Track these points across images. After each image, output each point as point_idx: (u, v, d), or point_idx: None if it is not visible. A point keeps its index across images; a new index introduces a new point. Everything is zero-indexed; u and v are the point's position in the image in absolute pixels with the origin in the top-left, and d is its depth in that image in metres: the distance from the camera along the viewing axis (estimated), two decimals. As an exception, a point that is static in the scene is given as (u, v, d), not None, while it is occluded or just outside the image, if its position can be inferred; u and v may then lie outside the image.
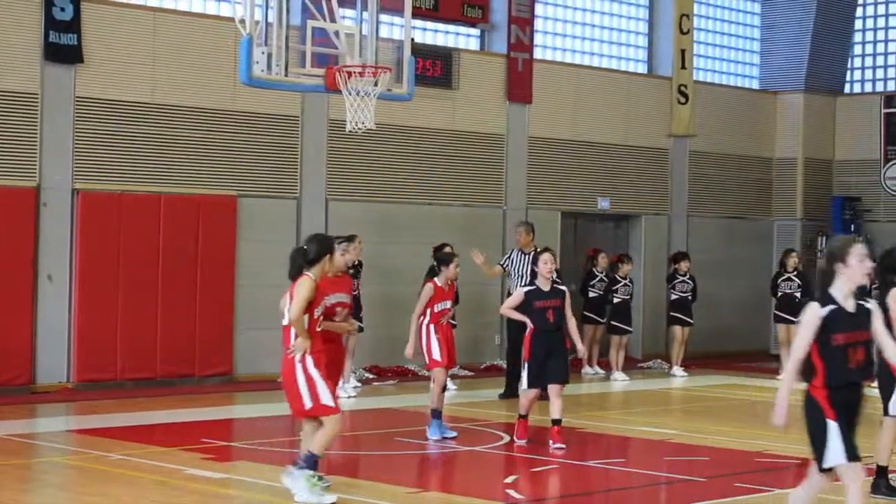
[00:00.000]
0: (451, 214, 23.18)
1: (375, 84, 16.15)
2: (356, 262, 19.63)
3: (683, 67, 26.90)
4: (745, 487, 12.81)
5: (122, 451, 13.91)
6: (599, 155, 25.64)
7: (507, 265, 20.24)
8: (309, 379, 11.09)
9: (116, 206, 19.61)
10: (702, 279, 24.81)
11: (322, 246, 11.31)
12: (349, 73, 16.02)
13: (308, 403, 11.12)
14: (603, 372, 22.65)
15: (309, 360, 11.11)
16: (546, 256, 15.16)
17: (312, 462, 11.20)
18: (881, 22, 29.93)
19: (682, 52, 26.89)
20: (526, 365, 14.82)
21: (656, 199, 26.63)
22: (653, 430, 16.65)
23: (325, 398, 11.11)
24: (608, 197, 25.68)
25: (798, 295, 23.22)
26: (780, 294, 23.37)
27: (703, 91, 27.48)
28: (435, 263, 16.27)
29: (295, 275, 11.15)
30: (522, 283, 20.38)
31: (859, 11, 29.86)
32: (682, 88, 26.84)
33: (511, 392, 19.63)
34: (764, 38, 29.59)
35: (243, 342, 20.71)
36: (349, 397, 18.94)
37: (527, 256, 20.31)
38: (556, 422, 14.67)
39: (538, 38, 25.23)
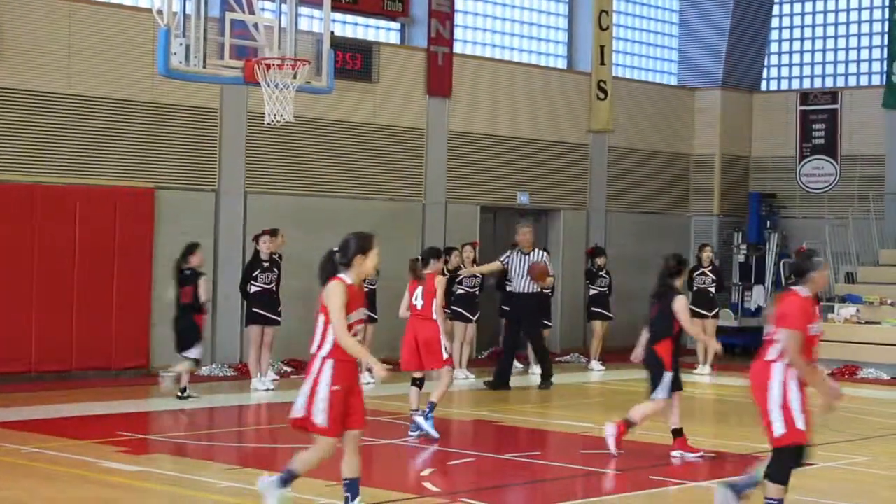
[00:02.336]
0: (370, 208, 23.18)
1: (294, 77, 16.15)
2: (277, 256, 19.64)
3: (602, 63, 27.05)
4: (659, 480, 12.93)
5: (36, 444, 13.80)
6: (519, 150, 25.73)
7: (507, 263, 20.52)
8: (314, 390, 9.98)
9: (32, 198, 19.43)
10: (620, 274, 24.98)
11: (359, 244, 10.01)
12: (268, 66, 15.99)
13: (302, 413, 10.09)
14: (521, 366, 22.71)
15: (328, 372, 9.93)
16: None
17: (288, 478, 10.24)
18: (797, 20, 30.25)
19: (602, 48, 27.03)
20: (668, 374, 14.33)
21: (575, 194, 26.76)
22: (570, 423, 16.75)
23: (320, 418, 9.98)
24: (527, 191, 25.77)
25: (712, 290, 23.44)
26: (695, 289, 23.57)
27: (622, 87, 27.65)
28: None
29: (326, 279, 10.00)
30: (521, 283, 20.64)
31: (776, 9, 30.16)
32: (601, 84, 26.99)
33: (501, 383, 20.00)
34: (682, 34, 29.83)
35: (160, 335, 20.56)
36: (267, 390, 18.90)
37: (526, 257, 20.50)
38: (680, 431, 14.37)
39: (458, 33, 25.29)
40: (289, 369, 21.33)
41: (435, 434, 14.86)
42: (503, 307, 21.80)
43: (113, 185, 20.21)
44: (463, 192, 24.72)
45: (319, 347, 9.92)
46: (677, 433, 14.31)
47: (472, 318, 21.58)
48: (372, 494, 11.37)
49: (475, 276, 21.64)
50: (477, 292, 21.75)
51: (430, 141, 24.20)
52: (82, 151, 20.02)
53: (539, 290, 21.01)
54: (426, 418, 15.05)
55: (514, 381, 20.90)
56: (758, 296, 27.52)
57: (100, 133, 20.20)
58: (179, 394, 17.93)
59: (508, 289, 21.14)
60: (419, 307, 15.41)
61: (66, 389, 18.53)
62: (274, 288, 19.48)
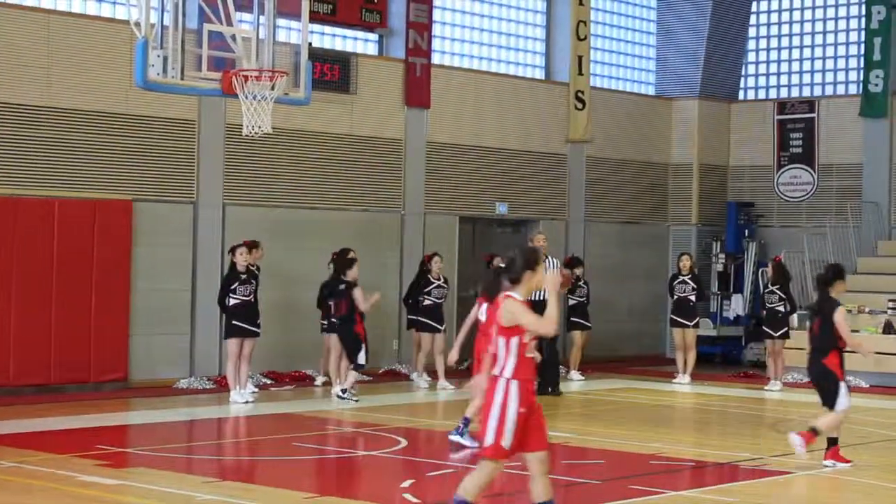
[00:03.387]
0: (349, 219, 23.16)
1: (272, 88, 16.14)
2: (255, 267, 19.62)
3: (580, 73, 27.08)
4: (639, 490, 12.93)
5: (15, 458, 13.73)
6: (497, 160, 25.74)
7: None
8: (503, 414, 9.59)
9: (10, 210, 19.36)
10: (599, 284, 25.02)
11: (526, 260, 9.81)
12: (246, 77, 16.00)
13: (490, 439, 9.65)
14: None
15: (514, 394, 9.60)
16: None
17: None
18: (774, 30, 30.34)
19: (580, 58, 27.07)
20: (843, 384, 14.37)
21: (553, 204, 26.78)
22: (550, 433, 16.67)
23: (507, 440, 9.58)
24: (506, 202, 25.78)
25: (692, 299, 23.48)
26: (675, 297, 23.63)
27: (600, 97, 27.68)
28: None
29: (494, 296, 9.81)
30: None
31: (753, 19, 30.25)
32: (580, 94, 27.02)
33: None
34: (659, 44, 29.89)
35: (139, 347, 20.55)
36: (246, 403, 18.86)
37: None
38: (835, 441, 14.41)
39: (436, 44, 25.30)
40: (268, 381, 21.28)
41: (472, 444, 14.77)
42: None
43: (91, 198, 20.15)
44: (441, 202, 24.72)
45: (502, 369, 9.63)
46: (832, 442, 14.35)
47: (439, 328, 21.60)
48: (352, 506, 11.37)
49: (443, 287, 21.72)
50: (443, 303, 21.79)
51: (408, 152, 24.19)
52: (60, 164, 19.97)
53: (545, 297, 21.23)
54: (461, 434, 15.06)
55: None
56: (736, 304, 27.58)
57: (78, 145, 20.15)
58: (340, 393, 19.27)
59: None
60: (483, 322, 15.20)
61: (45, 403, 18.45)
62: (252, 300, 19.45)
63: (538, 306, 21.09)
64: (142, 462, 13.93)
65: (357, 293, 19.47)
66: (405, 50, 24.18)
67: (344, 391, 19.32)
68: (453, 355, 15.75)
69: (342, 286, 19.46)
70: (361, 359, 19.34)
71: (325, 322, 20.93)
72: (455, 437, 15.13)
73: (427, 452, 15.47)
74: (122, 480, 12.67)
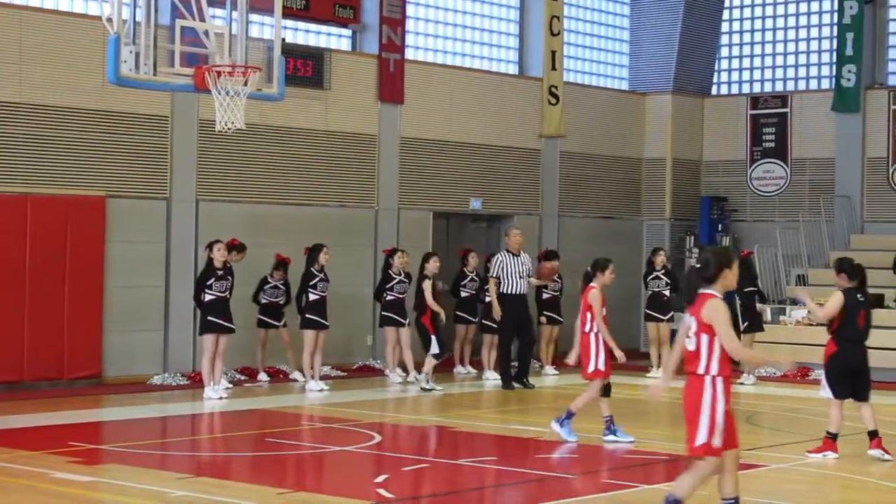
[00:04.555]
0: (323, 215, 23.14)
1: (245, 84, 16.12)
2: (230, 264, 19.61)
3: (554, 69, 27.11)
4: (613, 483, 12.98)
5: (-13, 455, 13.70)
6: (471, 155, 25.75)
7: (499, 271, 20.96)
8: (713, 412, 9.67)
9: (-18, 207, 19.31)
10: (572, 279, 25.00)
11: (720, 259, 9.84)
12: (219, 73, 15.97)
13: (701, 438, 9.67)
14: (475, 371, 22.76)
15: (720, 391, 9.70)
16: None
17: None
18: (747, 24, 30.42)
19: (553, 53, 27.10)
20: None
21: (527, 199, 26.80)
22: (525, 428, 16.77)
23: (718, 439, 9.67)
24: (480, 197, 25.79)
25: (666, 293, 23.54)
26: (649, 293, 23.68)
27: (574, 92, 27.71)
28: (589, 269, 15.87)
29: (693, 297, 9.83)
30: (516, 284, 21.07)
31: (726, 14, 30.31)
32: (553, 89, 27.05)
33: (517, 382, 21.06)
34: (633, 40, 29.93)
35: (112, 344, 20.50)
36: (220, 399, 18.84)
37: (517, 258, 21.03)
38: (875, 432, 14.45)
39: (410, 39, 25.28)
40: (242, 377, 21.25)
41: (571, 438, 15.00)
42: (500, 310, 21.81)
43: (64, 194, 20.08)
44: (415, 198, 24.72)
45: (707, 367, 9.68)
46: (873, 435, 14.37)
47: (402, 321, 21.63)
48: (326, 501, 11.36)
49: (404, 282, 21.76)
50: (405, 297, 21.85)
51: (382, 147, 24.17)
52: (33, 160, 19.90)
53: (525, 291, 21.64)
54: (561, 424, 15.13)
55: (465, 386, 21.07)
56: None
57: (50, 141, 20.09)
58: (424, 385, 20.33)
59: (489, 293, 21.41)
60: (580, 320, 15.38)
61: (18, 400, 18.39)
62: (228, 296, 19.44)
63: (524, 299, 21.28)
64: (115, 459, 13.90)
65: (426, 286, 20.48)
66: (379, 45, 24.16)
67: (427, 382, 20.34)
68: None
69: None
70: (434, 348, 20.31)
71: (263, 317, 21.32)
72: (555, 427, 15.17)
73: (401, 447, 15.47)
74: (96, 477, 12.65)
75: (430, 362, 20.38)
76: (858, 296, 14.50)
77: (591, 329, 15.23)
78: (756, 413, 18.99)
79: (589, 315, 15.25)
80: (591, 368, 15.15)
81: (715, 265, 9.78)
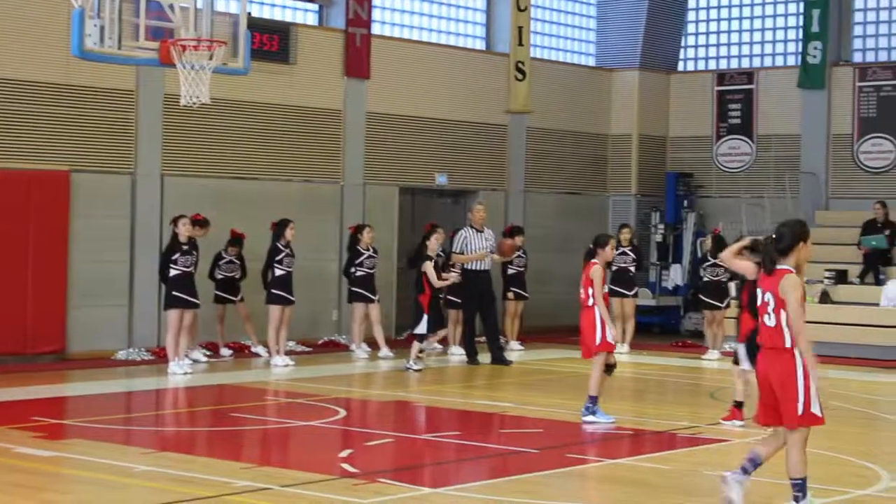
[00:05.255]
0: (288, 190, 23.10)
1: (210, 58, 16.05)
2: (192, 240, 19.56)
3: (521, 44, 27.09)
4: (576, 458, 13.03)
5: (-50, 430, 13.66)
6: (437, 131, 25.73)
7: (463, 247, 20.98)
8: (807, 382, 9.85)
9: (-55, 181, 19.21)
10: (538, 254, 25.10)
11: (795, 232, 9.99)
12: (184, 47, 15.90)
13: (801, 409, 9.85)
14: (440, 346, 22.78)
15: (811, 361, 9.86)
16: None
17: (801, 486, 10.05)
18: (714, 1, 30.44)
19: (520, 28, 27.07)
20: None
21: (493, 174, 26.81)
22: (489, 403, 16.82)
23: (817, 407, 9.89)
24: (446, 173, 25.79)
25: (632, 269, 23.63)
26: (614, 268, 23.70)
27: (540, 68, 27.71)
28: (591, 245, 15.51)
29: (772, 269, 9.95)
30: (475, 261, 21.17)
31: (692, -10, 30.37)
32: (520, 65, 27.04)
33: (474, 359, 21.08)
34: (600, 15, 29.93)
35: (76, 319, 20.44)
36: (185, 374, 18.81)
37: (480, 234, 21.07)
38: None
39: (376, 14, 25.21)
40: (207, 352, 21.18)
41: (608, 419, 14.91)
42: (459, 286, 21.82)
43: (28, 168, 20.00)
44: (381, 173, 24.69)
45: (793, 341, 9.84)
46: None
47: (373, 297, 21.65)
48: (290, 476, 11.38)
49: (373, 257, 21.78)
50: (375, 272, 21.86)
51: (347, 122, 24.13)
52: (-4, 134, 19.81)
53: (489, 267, 21.70)
54: (592, 413, 14.97)
55: (430, 360, 21.13)
56: (675, 275, 27.75)
57: (14, 116, 19.98)
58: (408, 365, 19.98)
59: (453, 269, 21.42)
60: (581, 295, 15.25)
61: (-19, 375, 18.33)
62: (193, 271, 19.41)
63: (488, 275, 21.22)
64: (79, 434, 13.87)
65: (427, 267, 20.15)
66: (345, 20, 24.10)
67: (413, 361, 20.03)
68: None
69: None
70: (422, 328, 20.07)
71: (219, 293, 21.23)
72: (588, 418, 14.97)
73: (366, 422, 15.50)
74: (59, 452, 12.62)
75: (415, 345, 20.11)
76: None
77: (593, 304, 15.15)
78: (721, 388, 19.07)
79: (591, 290, 15.17)
80: (598, 341, 15.06)
81: (790, 238, 9.93)
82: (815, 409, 9.85)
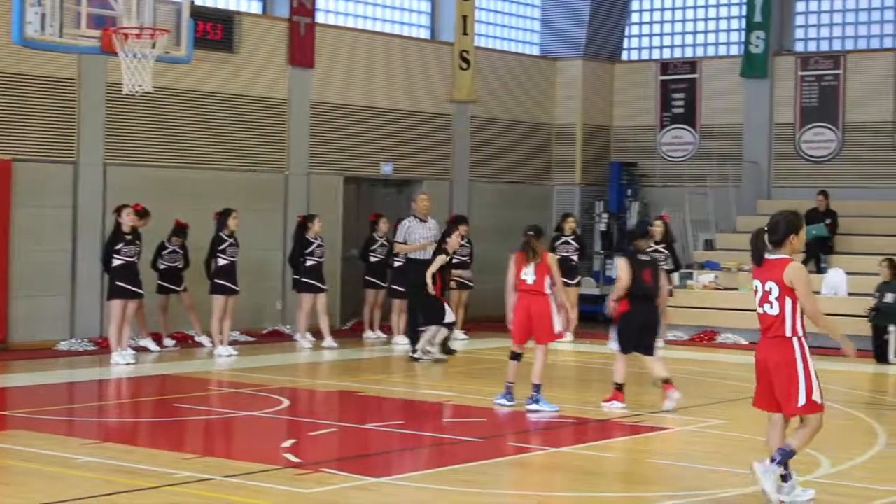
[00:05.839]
0: (233, 179, 23.02)
1: (153, 47, 15.98)
2: (136, 229, 19.47)
3: (465, 33, 27.09)
4: (520, 447, 13.09)
5: None
6: (382, 120, 25.71)
7: (407, 236, 20.88)
8: (807, 371, 9.98)
9: None
10: (482, 243, 25.12)
11: (789, 223, 10.07)
12: (126, 35, 15.83)
13: (803, 398, 9.97)
14: (385, 336, 22.78)
15: (807, 349, 10.02)
16: None
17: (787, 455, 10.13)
18: (657, -10, 30.58)
19: (464, 18, 27.07)
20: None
21: (438, 164, 26.83)
22: (433, 392, 16.84)
23: (818, 395, 10.01)
24: (391, 162, 25.78)
25: (575, 258, 23.67)
26: (557, 257, 23.71)
27: (485, 57, 27.72)
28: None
29: (761, 259, 10.11)
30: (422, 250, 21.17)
31: (636, -20, 30.47)
32: (464, 54, 27.04)
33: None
34: (544, 5, 29.99)
35: (18, 310, 20.30)
36: (127, 364, 18.73)
37: (424, 223, 20.98)
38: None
39: (321, 3, 25.16)
40: (151, 342, 21.08)
41: (552, 407, 15.05)
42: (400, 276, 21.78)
43: (-32, 158, 19.86)
44: (326, 162, 24.65)
45: (794, 330, 9.96)
46: (666, 381, 15.23)
47: (323, 287, 21.64)
48: (233, 467, 11.36)
49: (322, 246, 21.76)
50: (324, 262, 21.87)
51: (292, 112, 24.07)
52: (-64, 123, 19.65)
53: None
54: (538, 402, 15.09)
55: (375, 350, 21.15)
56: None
57: (-46, 104, 19.83)
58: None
59: (398, 258, 21.41)
60: (531, 282, 15.35)
61: (-78, 366, 18.19)
62: (136, 261, 19.32)
63: (421, 265, 21.24)
64: (20, 425, 13.76)
65: (437, 261, 19.93)
66: (289, 9, 24.02)
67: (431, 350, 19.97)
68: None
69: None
70: (450, 317, 20.00)
71: (162, 282, 21.12)
72: (532, 407, 15.09)
73: (309, 412, 15.49)
74: (0, 444, 12.54)
75: (441, 332, 19.94)
76: (641, 257, 15.33)
77: (549, 292, 15.31)
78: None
79: (547, 279, 15.31)
80: (557, 329, 15.33)
81: (784, 229, 10.04)
82: (816, 397, 9.99)
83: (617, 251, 15.80)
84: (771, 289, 9.98)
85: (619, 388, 15.36)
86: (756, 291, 10.14)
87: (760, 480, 10.01)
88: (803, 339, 10.01)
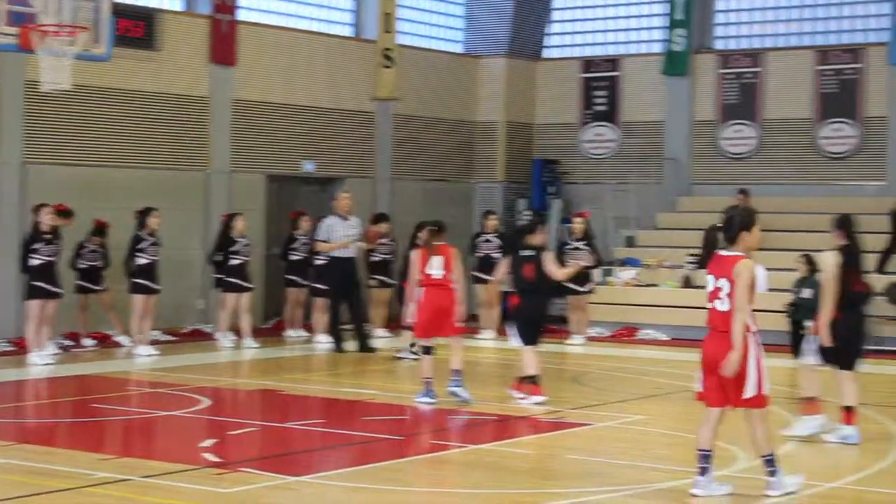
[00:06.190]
0: (154, 178, 22.88)
1: (72, 44, 15.89)
2: (56, 229, 19.32)
3: (388, 31, 27.08)
4: (440, 444, 13.13)
5: None
6: (305, 118, 25.65)
7: (328, 234, 20.83)
8: (759, 364, 10.19)
9: None
10: (406, 241, 25.06)
11: (742, 220, 10.30)
12: (45, 32, 15.72)
13: (753, 390, 10.18)
14: (306, 334, 22.73)
15: (757, 344, 10.23)
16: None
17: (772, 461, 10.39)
18: (579, -11, 30.69)
19: (387, 15, 27.06)
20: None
21: (361, 162, 26.80)
22: (355, 391, 16.83)
23: (766, 388, 10.26)
24: (313, 160, 25.72)
25: (497, 256, 23.70)
26: (480, 255, 23.86)
27: (408, 55, 27.71)
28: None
29: (712, 255, 10.35)
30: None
31: (558, -22, 30.57)
32: (387, 52, 27.03)
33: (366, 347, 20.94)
34: (468, 3, 30.01)
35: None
36: (46, 364, 18.57)
37: (345, 221, 20.98)
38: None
39: (243, 0, 25.05)
40: (69, 343, 20.89)
41: (468, 396, 15.32)
42: (322, 274, 21.73)
43: None
44: (248, 161, 24.56)
45: (746, 325, 10.15)
46: (532, 379, 15.44)
47: (248, 286, 21.59)
48: (151, 467, 11.31)
49: (248, 245, 21.69)
50: (250, 261, 21.80)
51: (214, 110, 23.96)
52: None
53: (354, 255, 21.66)
54: (459, 386, 15.36)
55: (295, 349, 21.17)
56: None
57: None
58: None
59: (323, 258, 21.37)
60: (437, 276, 15.50)
61: None
62: (56, 261, 19.17)
63: (352, 262, 21.12)
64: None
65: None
66: (211, 6, 23.91)
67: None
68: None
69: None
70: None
71: (81, 282, 20.96)
72: (456, 389, 15.37)
73: (230, 412, 15.43)
74: None
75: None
76: (523, 252, 15.61)
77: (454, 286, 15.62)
78: (584, 373, 19.33)
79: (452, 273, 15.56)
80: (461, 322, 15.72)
81: (737, 225, 10.26)
82: (765, 390, 10.21)
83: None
84: (722, 285, 10.18)
85: (531, 379, 15.49)
86: (707, 287, 10.33)
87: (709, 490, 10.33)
88: (755, 335, 10.19)
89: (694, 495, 10.26)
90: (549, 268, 15.48)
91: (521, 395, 15.43)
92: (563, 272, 15.99)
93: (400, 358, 19.81)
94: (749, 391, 10.16)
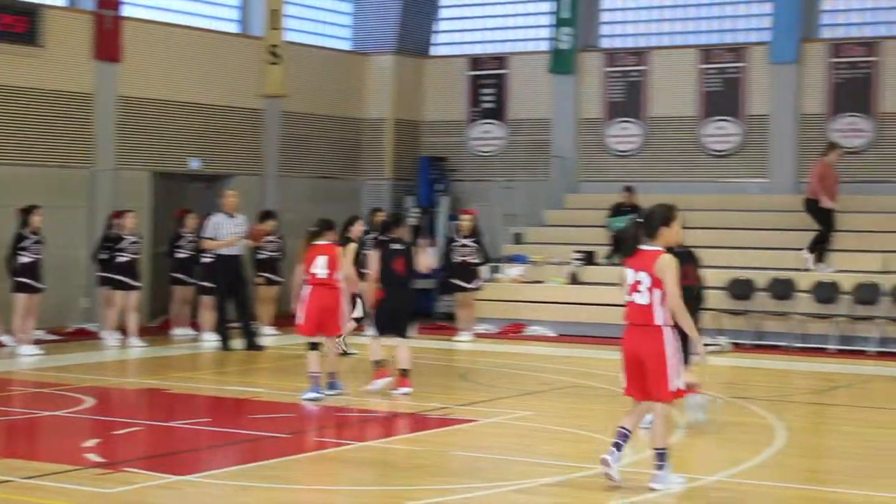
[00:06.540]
0: (37, 175, 22.60)
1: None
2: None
3: (275, 28, 26.98)
4: (327, 441, 13.13)
5: None
6: (191, 115, 25.47)
7: (215, 232, 20.68)
8: (675, 359, 10.40)
9: None
10: (293, 239, 25.00)
11: (662, 215, 10.56)
12: (-78, 29, 15.47)
13: (672, 385, 10.37)
14: (194, 332, 22.58)
15: (676, 339, 10.44)
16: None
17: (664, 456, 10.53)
18: (467, -13, 30.79)
19: (274, 12, 26.96)
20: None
21: (248, 159, 26.67)
22: (242, 388, 16.76)
23: (682, 383, 10.52)
24: (200, 157, 25.55)
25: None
26: (365, 252, 23.79)
27: (295, 52, 27.62)
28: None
29: (631, 250, 10.52)
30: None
31: (446, -24, 30.64)
32: (274, 49, 26.91)
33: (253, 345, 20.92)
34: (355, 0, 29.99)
35: None
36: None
37: (232, 219, 20.87)
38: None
39: (128, -4, 24.84)
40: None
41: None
42: (209, 272, 21.62)
43: None
44: (133, 158, 24.33)
45: (665, 319, 10.35)
46: (403, 372, 15.83)
47: (136, 284, 21.41)
48: (33, 468, 11.18)
49: (137, 243, 21.52)
50: (139, 259, 21.63)
51: (98, 107, 23.71)
52: None
53: (240, 252, 21.62)
54: (334, 388, 15.78)
55: (183, 347, 21.05)
56: (429, 258, 27.94)
57: None
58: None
59: (209, 256, 21.28)
60: (322, 275, 15.62)
61: None
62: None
63: (239, 260, 21.03)
64: None
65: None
66: (95, 2, 23.65)
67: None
68: None
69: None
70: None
71: None
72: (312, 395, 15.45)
73: (114, 411, 15.28)
74: None
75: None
76: (393, 245, 16.04)
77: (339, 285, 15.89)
78: (472, 369, 19.40)
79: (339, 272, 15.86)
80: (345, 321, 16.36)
81: (657, 221, 10.50)
82: (682, 384, 10.45)
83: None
84: (642, 278, 10.39)
85: (380, 364, 16.00)
86: (626, 281, 10.53)
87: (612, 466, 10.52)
88: (673, 330, 10.39)
89: (652, 489, 10.47)
90: (421, 261, 15.87)
91: (380, 384, 15.93)
92: (425, 264, 16.52)
93: (349, 354, 19.80)
94: (670, 387, 10.36)
